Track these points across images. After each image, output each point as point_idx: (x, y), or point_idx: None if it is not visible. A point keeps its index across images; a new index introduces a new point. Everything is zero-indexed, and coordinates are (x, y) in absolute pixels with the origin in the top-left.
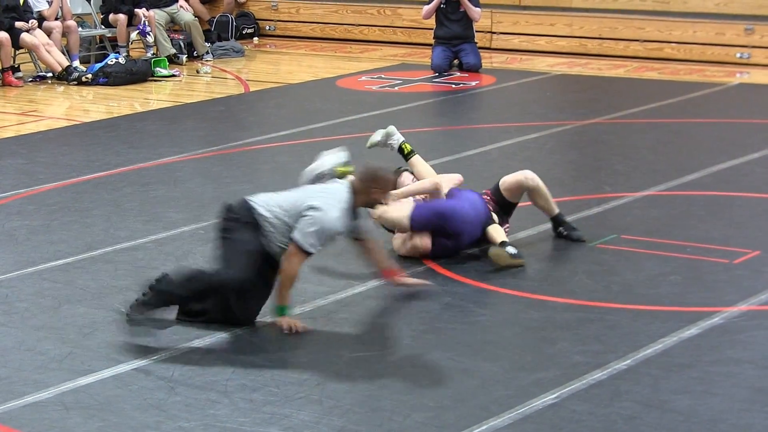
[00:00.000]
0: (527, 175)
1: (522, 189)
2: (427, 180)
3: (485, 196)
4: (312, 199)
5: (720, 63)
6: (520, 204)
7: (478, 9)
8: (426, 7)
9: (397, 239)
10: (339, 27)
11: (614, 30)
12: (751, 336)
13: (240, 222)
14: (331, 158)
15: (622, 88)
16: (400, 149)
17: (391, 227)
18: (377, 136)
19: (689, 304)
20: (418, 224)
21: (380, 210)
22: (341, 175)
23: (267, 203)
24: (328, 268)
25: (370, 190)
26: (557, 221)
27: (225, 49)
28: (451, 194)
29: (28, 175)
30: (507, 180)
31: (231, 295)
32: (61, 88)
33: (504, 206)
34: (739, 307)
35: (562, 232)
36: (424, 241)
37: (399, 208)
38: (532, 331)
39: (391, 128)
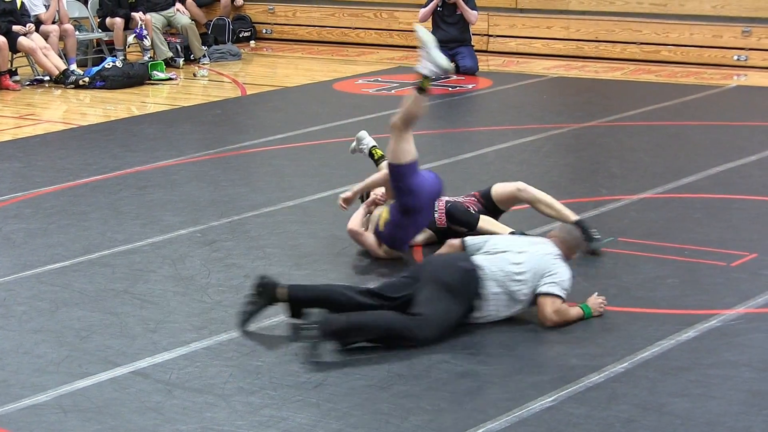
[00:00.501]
0: (519, 187)
1: (515, 201)
2: (379, 172)
3: (473, 198)
4: (549, 266)
5: (717, 65)
6: (514, 207)
7: (474, 12)
8: (422, 10)
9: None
10: (335, 30)
11: (611, 32)
12: (749, 339)
13: (463, 291)
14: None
15: (618, 91)
16: (371, 154)
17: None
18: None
19: (686, 306)
20: (394, 170)
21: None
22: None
23: (500, 276)
24: (324, 272)
25: (573, 251)
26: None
27: (222, 53)
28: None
29: (25, 178)
30: (499, 191)
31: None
32: (59, 92)
33: (492, 211)
34: (736, 309)
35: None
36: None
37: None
38: (530, 334)
39: (362, 133)
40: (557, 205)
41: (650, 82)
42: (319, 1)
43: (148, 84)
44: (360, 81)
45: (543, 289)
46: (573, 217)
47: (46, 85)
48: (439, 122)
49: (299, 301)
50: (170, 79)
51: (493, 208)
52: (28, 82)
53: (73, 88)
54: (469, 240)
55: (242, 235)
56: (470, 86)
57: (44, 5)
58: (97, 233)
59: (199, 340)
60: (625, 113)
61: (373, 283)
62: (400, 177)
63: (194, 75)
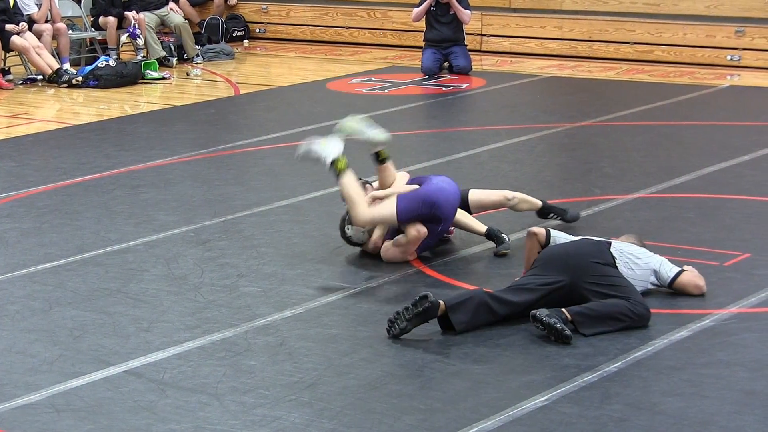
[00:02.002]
0: (508, 197)
1: (494, 207)
2: (408, 187)
3: None
4: (652, 256)
5: (710, 65)
6: (502, 209)
7: (468, 11)
8: (416, 10)
9: (387, 243)
10: (329, 29)
11: (604, 32)
12: (742, 339)
13: (614, 264)
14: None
15: (612, 91)
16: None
17: (380, 223)
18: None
19: (679, 306)
20: (404, 216)
21: (368, 213)
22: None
23: (627, 261)
24: (318, 271)
25: None
26: (546, 210)
27: (215, 52)
28: (420, 182)
29: (18, 177)
30: (481, 199)
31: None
32: (52, 91)
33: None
34: (729, 309)
35: (555, 217)
36: (420, 230)
37: (384, 206)
38: (522, 333)
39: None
40: (528, 197)
41: (643, 82)
42: (312, 1)
43: (142, 83)
44: (353, 80)
45: (674, 272)
46: (540, 203)
47: (39, 84)
48: (433, 122)
49: (457, 316)
50: (163, 78)
51: (464, 208)
52: (21, 81)
53: (66, 87)
54: (555, 232)
55: (235, 235)
56: (464, 86)
57: (36, 4)
58: (91, 232)
59: (192, 340)
60: (618, 113)
61: (503, 288)
62: (417, 213)
63: (187, 74)
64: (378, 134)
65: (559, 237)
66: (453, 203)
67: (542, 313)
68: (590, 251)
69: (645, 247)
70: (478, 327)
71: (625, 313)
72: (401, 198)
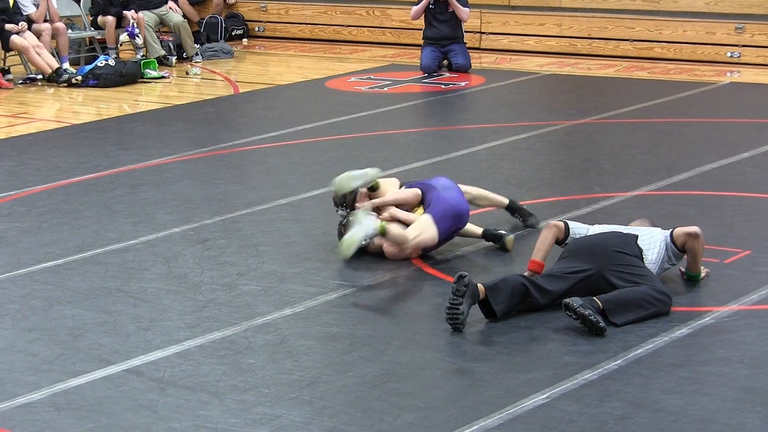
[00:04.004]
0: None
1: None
2: (410, 191)
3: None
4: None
5: (710, 62)
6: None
7: (466, 9)
8: (415, 8)
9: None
10: (328, 28)
11: (604, 29)
12: (742, 336)
13: (641, 256)
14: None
15: (611, 88)
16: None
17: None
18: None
19: (680, 303)
20: (444, 237)
21: (412, 234)
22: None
23: (650, 252)
24: (317, 269)
25: None
26: (512, 209)
27: (214, 51)
28: (430, 187)
29: (18, 177)
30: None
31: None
32: (51, 90)
33: None
34: (730, 306)
35: (518, 218)
36: (434, 238)
37: (425, 228)
38: (523, 332)
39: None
40: (490, 194)
41: (643, 79)
42: None
43: (141, 82)
44: (352, 79)
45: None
46: (506, 201)
47: (39, 83)
48: (432, 120)
49: (496, 298)
50: (163, 77)
51: None
52: (20, 81)
53: (65, 87)
54: (573, 224)
55: (235, 233)
56: (463, 83)
57: (34, 4)
58: (91, 232)
59: (192, 338)
60: (617, 110)
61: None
62: (449, 232)
63: (187, 73)
64: (369, 174)
65: (577, 228)
66: (468, 213)
67: (576, 302)
68: (616, 242)
69: (657, 227)
70: (515, 311)
71: (649, 300)
72: (437, 214)
